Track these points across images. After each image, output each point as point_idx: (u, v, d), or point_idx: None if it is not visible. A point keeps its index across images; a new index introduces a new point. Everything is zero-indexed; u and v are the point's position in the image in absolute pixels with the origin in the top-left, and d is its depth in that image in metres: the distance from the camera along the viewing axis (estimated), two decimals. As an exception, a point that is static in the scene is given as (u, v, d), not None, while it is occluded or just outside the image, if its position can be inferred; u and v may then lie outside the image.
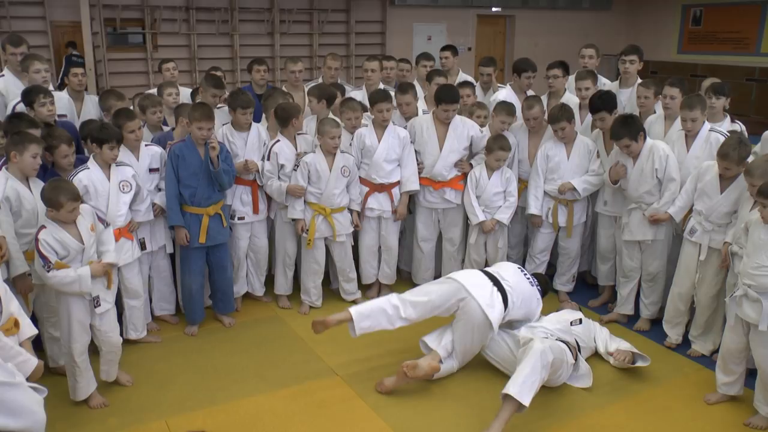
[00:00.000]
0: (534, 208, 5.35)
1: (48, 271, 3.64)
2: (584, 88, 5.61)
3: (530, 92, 5.96)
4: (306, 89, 6.02)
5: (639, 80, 5.74)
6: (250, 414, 3.97)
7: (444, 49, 7.00)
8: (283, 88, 6.09)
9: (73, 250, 3.76)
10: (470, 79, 6.68)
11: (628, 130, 4.68)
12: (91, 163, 4.34)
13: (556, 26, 12.70)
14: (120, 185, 4.38)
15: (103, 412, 3.99)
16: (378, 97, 5.29)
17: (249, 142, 5.12)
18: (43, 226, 3.70)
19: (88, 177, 4.27)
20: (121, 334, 4.46)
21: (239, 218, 5.10)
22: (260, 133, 5.20)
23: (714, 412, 4.05)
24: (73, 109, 5.54)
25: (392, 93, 5.58)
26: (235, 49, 10.13)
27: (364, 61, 6.50)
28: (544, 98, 6.00)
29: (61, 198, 3.66)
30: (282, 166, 5.08)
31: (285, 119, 5.10)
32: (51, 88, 5.36)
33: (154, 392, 4.21)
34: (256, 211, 5.20)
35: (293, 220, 5.16)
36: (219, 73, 6.47)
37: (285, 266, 5.39)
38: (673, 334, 4.87)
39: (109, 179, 4.32)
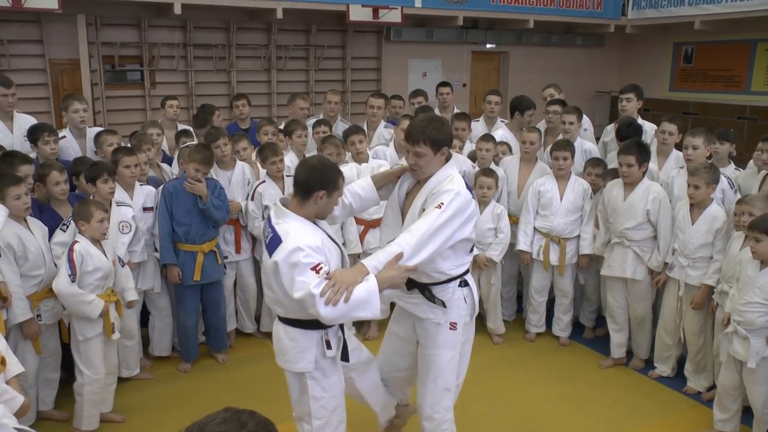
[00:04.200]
0: (523, 244, 5.34)
1: (72, 281, 3.79)
2: (569, 122, 5.66)
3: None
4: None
5: (640, 118, 5.81)
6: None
7: (443, 85, 7.09)
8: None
9: (104, 268, 3.94)
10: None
11: (638, 151, 4.68)
12: None
13: (550, 63, 12.82)
14: (120, 226, 4.42)
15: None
16: (349, 131, 5.41)
17: (233, 181, 5.18)
18: (77, 241, 3.87)
19: None
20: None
21: (223, 257, 5.10)
22: (244, 171, 5.25)
23: (709, 450, 4.04)
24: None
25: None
26: (233, 85, 10.20)
27: (370, 97, 6.56)
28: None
29: (91, 208, 3.90)
30: (266, 207, 5.07)
31: (263, 160, 5.16)
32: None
33: (146, 430, 4.18)
34: (238, 250, 5.23)
35: None
36: (216, 113, 6.51)
37: None
38: (663, 368, 4.90)
39: (108, 219, 4.31)
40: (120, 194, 4.53)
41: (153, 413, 4.38)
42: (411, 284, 3.29)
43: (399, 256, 2.90)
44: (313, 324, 3.01)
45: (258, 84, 10.42)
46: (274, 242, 2.89)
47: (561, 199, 5.21)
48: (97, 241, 3.96)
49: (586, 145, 5.73)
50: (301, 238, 2.85)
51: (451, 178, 3.14)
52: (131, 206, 4.58)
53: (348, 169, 5.04)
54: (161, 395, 4.63)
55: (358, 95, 10.82)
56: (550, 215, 5.24)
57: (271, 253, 2.91)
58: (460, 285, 3.27)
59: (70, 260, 3.80)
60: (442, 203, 3.00)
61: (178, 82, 9.90)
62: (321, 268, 2.81)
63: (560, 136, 5.69)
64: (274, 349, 3.24)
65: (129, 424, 4.25)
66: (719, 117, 11.67)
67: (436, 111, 6.77)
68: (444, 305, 3.24)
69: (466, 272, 3.32)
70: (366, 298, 2.81)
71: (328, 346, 3.11)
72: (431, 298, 3.24)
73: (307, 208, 2.99)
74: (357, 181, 3.48)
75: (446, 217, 2.98)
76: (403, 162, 5.15)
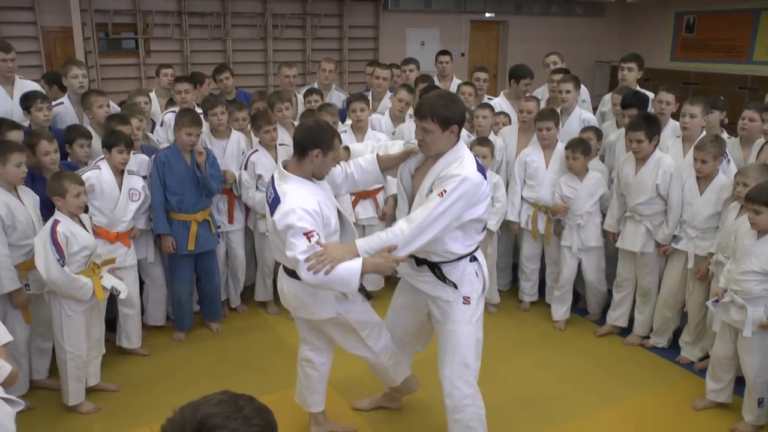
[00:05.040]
0: (510, 214, 5.33)
1: (63, 266, 3.69)
2: (566, 90, 5.57)
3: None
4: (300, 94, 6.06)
5: (637, 88, 5.74)
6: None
7: (443, 53, 7.01)
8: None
9: (90, 246, 3.88)
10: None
11: (647, 125, 4.56)
12: (104, 164, 4.37)
13: (550, 32, 12.69)
14: (130, 193, 4.43)
15: (88, 419, 3.99)
16: (353, 98, 5.36)
17: (228, 150, 5.12)
18: (58, 220, 3.75)
19: (97, 177, 4.31)
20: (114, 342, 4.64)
21: (216, 227, 5.06)
22: (239, 141, 5.20)
23: (701, 419, 4.06)
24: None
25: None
26: (228, 54, 10.11)
27: (376, 68, 6.48)
28: (543, 104, 6.00)
29: (65, 182, 3.78)
30: (260, 176, 5.03)
31: (256, 128, 5.11)
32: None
33: (140, 398, 4.19)
34: (231, 221, 5.20)
35: None
36: (207, 81, 6.42)
37: (264, 275, 5.36)
38: (658, 339, 4.91)
39: (119, 185, 4.38)
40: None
41: (147, 382, 4.38)
42: (420, 261, 3.28)
43: (392, 248, 2.97)
44: None
45: (254, 53, 10.35)
46: (275, 202, 3.06)
47: (547, 169, 5.18)
48: (75, 216, 3.88)
49: (584, 114, 5.66)
50: (298, 201, 2.98)
51: (460, 161, 3.06)
52: (140, 176, 4.58)
53: (362, 147, 4.97)
54: (155, 364, 4.63)
55: (355, 64, 10.74)
56: (536, 185, 5.22)
57: (272, 213, 3.07)
58: (470, 260, 3.26)
59: (56, 243, 3.68)
60: (445, 190, 2.97)
61: (173, 50, 9.83)
62: (312, 235, 2.93)
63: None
64: (290, 304, 3.43)
65: (123, 393, 4.25)
66: (720, 87, 11.56)
67: (435, 80, 6.72)
68: (455, 286, 3.23)
69: (476, 249, 3.30)
70: (346, 276, 2.94)
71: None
72: (442, 278, 3.23)
73: (305, 168, 3.12)
74: (362, 156, 3.48)
75: (446, 206, 2.96)
76: (402, 132, 5.11)
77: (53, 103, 5.29)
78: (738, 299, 3.74)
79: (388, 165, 3.38)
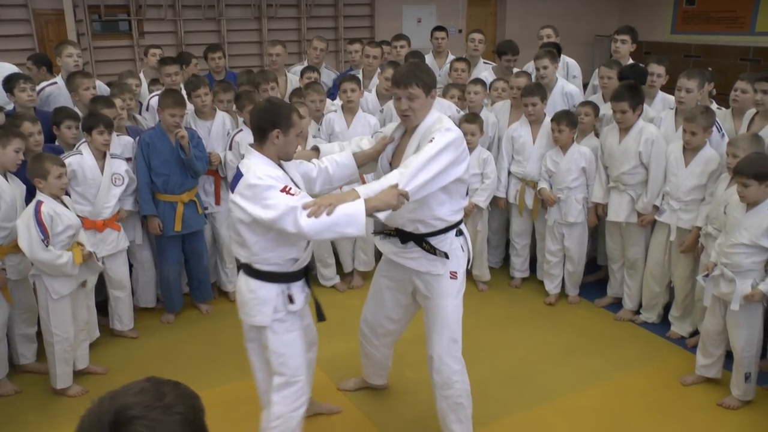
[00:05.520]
0: (497, 189, 5.31)
1: (46, 246, 3.68)
2: (542, 67, 5.51)
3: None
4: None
5: (631, 61, 5.67)
6: (226, 402, 3.92)
7: (438, 29, 6.89)
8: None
9: (74, 225, 3.87)
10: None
11: (630, 95, 4.54)
12: (85, 149, 4.33)
13: (549, 7, 12.47)
14: (113, 178, 4.40)
15: (76, 401, 3.98)
16: (344, 78, 5.30)
17: (213, 131, 5.08)
18: (42, 201, 3.74)
19: (78, 162, 4.28)
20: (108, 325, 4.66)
21: (204, 208, 5.02)
22: (225, 122, 5.15)
23: (690, 394, 4.04)
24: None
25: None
26: (222, 34, 10.01)
27: (366, 46, 6.40)
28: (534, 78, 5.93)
29: (45, 164, 3.77)
30: (244, 156, 4.97)
31: (239, 108, 5.05)
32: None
33: (128, 382, 4.17)
34: (218, 202, 5.16)
35: None
36: (194, 61, 6.37)
37: None
38: (648, 315, 4.88)
39: (101, 170, 4.33)
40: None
41: (135, 365, 4.37)
42: (407, 237, 3.23)
43: (394, 186, 2.83)
44: (275, 277, 2.98)
45: (248, 32, 10.22)
46: (237, 178, 2.90)
47: (534, 144, 5.12)
48: (57, 197, 3.86)
49: (567, 87, 5.61)
50: (261, 170, 2.85)
51: (439, 119, 3.10)
52: (123, 159, 4.54)
53: (330, 147, 4.87)
54: (144, 346, 4.63)
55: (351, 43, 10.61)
56: (524, 160, 5.18)
57: (233, 189, 2.91)
58: (456, 234, 3.22)
59: (40, 223, 3.68)
60: (434, 138, 2.95)
61: (167, 31, 9.72)
62: (290, 189, 2.77)
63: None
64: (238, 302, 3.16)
65: (111, 376, 4.24)
66: (721, 59, 11.40)
67: (430, 56, 6.65)
68: (446, 256, 3.18)
69: (461, 221, 3.26)
70: (352, 213, 2.72)
71: (291, 301, 3.02)
72: (431, 250, 3.18)
73: (267, 150, 2.95)
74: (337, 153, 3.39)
75: (438, 148, 2.91)
76: (390, 110, 5.03)
77: (45, 83, 5.29)
78: (727, 272, 3.71)
79: (364, 161, 3.33)
